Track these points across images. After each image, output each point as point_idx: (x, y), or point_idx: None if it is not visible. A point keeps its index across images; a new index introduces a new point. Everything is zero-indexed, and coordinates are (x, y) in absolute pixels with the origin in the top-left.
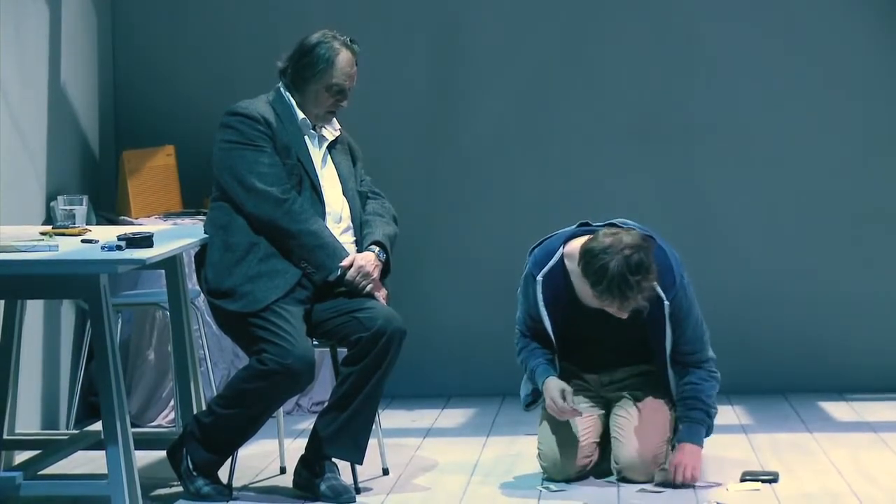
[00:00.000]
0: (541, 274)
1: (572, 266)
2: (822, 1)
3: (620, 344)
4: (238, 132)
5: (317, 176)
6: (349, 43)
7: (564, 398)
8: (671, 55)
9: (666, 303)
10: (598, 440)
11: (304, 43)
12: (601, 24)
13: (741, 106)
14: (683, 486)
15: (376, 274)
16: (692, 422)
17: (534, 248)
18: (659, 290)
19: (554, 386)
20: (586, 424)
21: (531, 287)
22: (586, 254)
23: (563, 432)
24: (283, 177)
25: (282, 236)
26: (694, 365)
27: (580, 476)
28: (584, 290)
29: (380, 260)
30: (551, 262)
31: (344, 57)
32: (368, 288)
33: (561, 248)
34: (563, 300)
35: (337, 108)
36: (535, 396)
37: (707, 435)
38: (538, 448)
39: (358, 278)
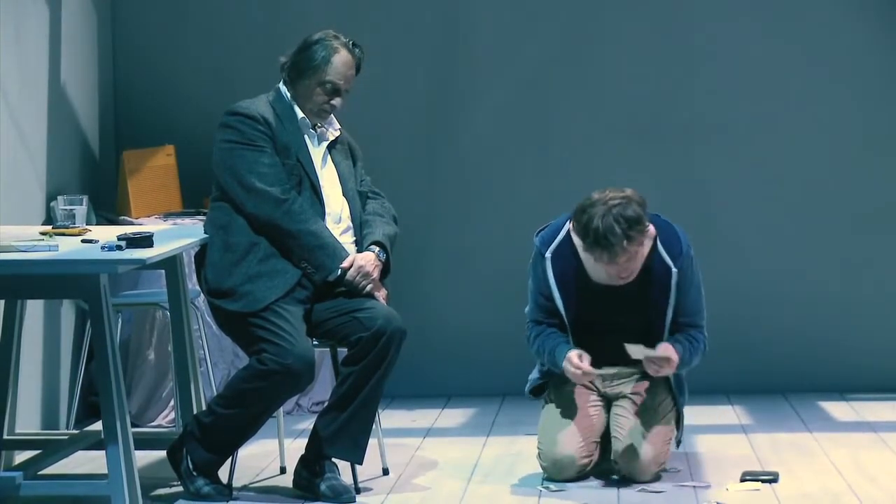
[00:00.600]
0: (549, 251)
1: (579, 241)
2: (823, 1)
3: (629, 328)
4: (238, 132)
5: (317, 176)
6: (351, 46)
7: (582, 360)
8: (671, 54)
9: (674, 271)
10: (598, 440)
11: (306, 39)
12: (601, 24)
13: (741, 105)
14: (657, 366)
15: (376, 274)
16: (679, 343)
17: (540, 231)
18: (667, 258)
19: (573, 354)
20: (586, 424)
21: (540, 265)
22: (576, 212)
23: (564, 432)
24: (283, 177)
25: (282, 236)
26: (690, 327)
27: (580, 476)
28: (589, 262)
29: (380, 260)
30: (558, 239)
31: (342, 57)
32: (368, 288)
33: (567, 224)
34: (572, 278)
35: (330, 107)
36: (545, 379)
37: (680, 367)
38: (538, 448)
39: (358, 278)
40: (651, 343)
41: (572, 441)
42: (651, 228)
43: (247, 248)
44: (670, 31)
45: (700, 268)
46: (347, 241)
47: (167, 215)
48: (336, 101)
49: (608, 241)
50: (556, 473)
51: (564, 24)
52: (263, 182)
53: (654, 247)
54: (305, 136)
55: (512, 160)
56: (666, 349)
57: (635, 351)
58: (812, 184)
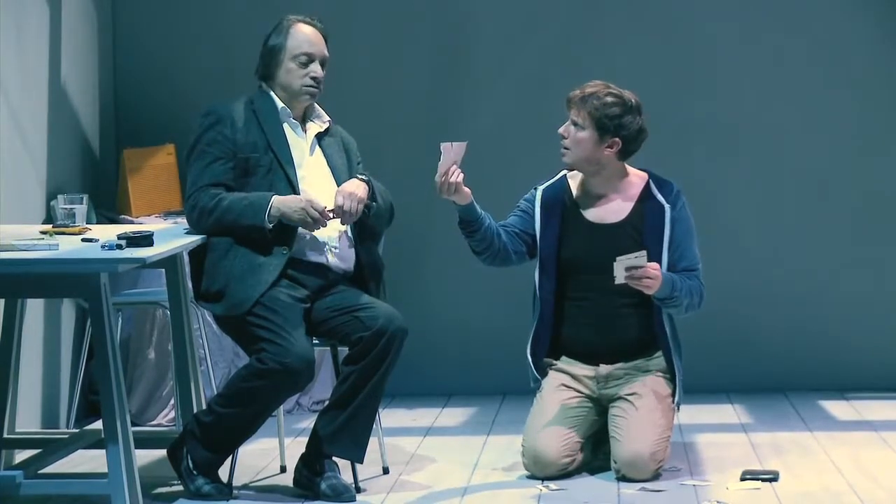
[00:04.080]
0: (542, 186)
1: (574, 183)
2: (823, 0)
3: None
4: (197, 137)
5: (293, 167)
6: (305, 19)
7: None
8: (671, 54)
9: (666, 206)
10: (582, 440)
11: (266, 36)
12: (601, 24)
13: (741, 104)
14: (637, 278)
15: (361, 193)
16: (669, 275)
17: None
18: (659, 195)
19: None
20: (569, 424)
21: (531, 194)
22: None
23: (545, 431)
24: (220, 179)
25: (217, 231)
26: (687, 272)
27: (562, 475)
28: (580, 194)
29: (362, 180)
30: (553, 179)
31: (300, 28)
32: (358, 209)
33: (564, 171)
34: (558, 210)
35: (313, 80)
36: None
37: (668, 293)
38: (522, 444)
39: (347, 202)
40: (644, 299)
41: (553, 440)
42: (628, 168)
43: (227, 247)
44: (670, 31)
45: (693, 216)
46: (344, 231)
47: (167, 214)
48: (315, 70)
49: (573, 91)
50: (537, 471)
51: (564, 24)
52: (189, 198)
53: (647, 187)
54: (286, 127)
55: (512, 159)
56: (649, 264)
57: (619, 269)
58: (812, 183)
